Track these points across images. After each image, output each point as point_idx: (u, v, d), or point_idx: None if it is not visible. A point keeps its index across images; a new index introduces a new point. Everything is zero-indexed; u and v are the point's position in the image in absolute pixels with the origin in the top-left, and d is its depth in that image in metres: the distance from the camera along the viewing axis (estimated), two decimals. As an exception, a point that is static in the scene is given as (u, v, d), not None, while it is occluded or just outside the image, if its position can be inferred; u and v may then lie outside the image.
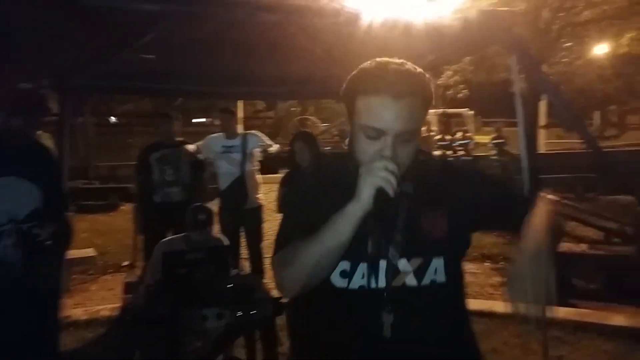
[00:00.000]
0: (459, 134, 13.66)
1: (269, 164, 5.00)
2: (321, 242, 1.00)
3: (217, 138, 4.35)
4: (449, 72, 15.37)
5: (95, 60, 3.06)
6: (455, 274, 1.12)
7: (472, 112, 16.67)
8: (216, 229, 4.15)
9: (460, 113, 17.07)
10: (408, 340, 1.06)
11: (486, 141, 13.18)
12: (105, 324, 3.58)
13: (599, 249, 5.01)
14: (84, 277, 5.19)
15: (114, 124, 17.59)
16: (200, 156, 4.31)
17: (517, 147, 3.32)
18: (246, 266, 4.33)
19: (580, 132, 3.71)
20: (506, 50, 3.24)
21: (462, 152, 11.75)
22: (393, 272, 1.06)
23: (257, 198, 4.35)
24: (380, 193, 0.96)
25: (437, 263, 1.08)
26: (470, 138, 13.57)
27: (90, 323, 3.69)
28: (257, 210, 4.34)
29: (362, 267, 1.07)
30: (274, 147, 4.47)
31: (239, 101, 10.76)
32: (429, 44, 2.38)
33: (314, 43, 3.07)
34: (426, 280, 1.07)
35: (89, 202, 7.99)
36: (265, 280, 3.11)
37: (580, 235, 6.31)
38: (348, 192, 1.00)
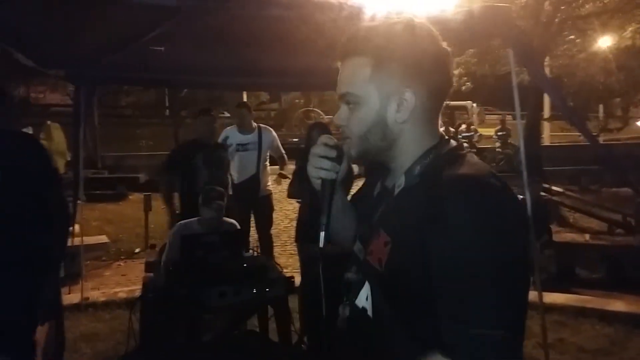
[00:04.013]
0: (463, 127, 13.77)
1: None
2: None
3: (233, 132, 4.46)
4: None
5: (109, 51, 3.16)
6: None
7: (475, 104, 16.64)
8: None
9: (464, 105, 17.07)
10: None
11: (490, 133, 13.16)
12: (123, 305, 3.70)
13: (601, 239, 5.15)
14: (98, 262, 5.35)
15: (120, 115, 17.53)
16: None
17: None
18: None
19: (577, 125, 3.81)
20: (505, 43, 3.33)
21: (466, 144, 11.93)
22: None
23: (268, 186, 4.56)
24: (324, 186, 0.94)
25: None
26: (474, 130, 13.65)
27: (108, 304, 3.85)
28: (267, 198, 4.53)
29: None
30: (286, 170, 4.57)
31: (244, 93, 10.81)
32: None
33: (317, 36, 3.13)
34: None
35: (98, 192, 8.12)
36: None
37: (584, 226, 6.49)
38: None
